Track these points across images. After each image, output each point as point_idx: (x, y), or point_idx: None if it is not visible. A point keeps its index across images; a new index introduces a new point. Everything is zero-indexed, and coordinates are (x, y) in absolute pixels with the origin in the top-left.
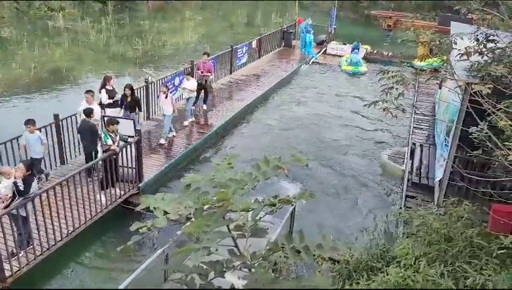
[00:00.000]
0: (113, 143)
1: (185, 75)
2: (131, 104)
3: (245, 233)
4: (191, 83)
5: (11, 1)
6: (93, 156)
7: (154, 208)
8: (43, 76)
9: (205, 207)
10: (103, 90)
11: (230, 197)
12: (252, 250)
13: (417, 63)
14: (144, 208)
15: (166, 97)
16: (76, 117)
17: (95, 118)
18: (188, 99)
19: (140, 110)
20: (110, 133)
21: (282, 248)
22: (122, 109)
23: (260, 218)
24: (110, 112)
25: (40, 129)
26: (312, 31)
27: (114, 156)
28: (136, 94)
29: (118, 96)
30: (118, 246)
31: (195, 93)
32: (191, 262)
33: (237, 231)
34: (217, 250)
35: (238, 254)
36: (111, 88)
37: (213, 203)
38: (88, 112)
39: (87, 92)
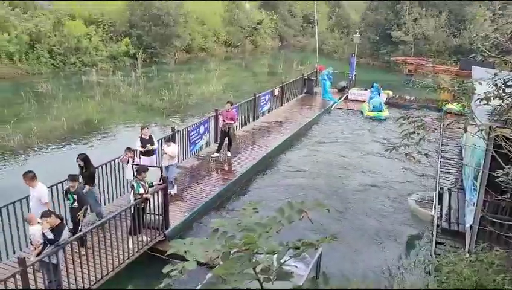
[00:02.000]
0: (145, 191)
1: (165, 142)
2: (85, 175)
3: (270, 276)
4: (172, 149)
5: (48, 58)
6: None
7: (185, 251)
8: (75, 127)
9: (232, 251)
10: (138, 139)
11: (256, 241)
12: None
13: (444, 106)
14: (170, 255)
15: (128, 161)
16: (107, 166)
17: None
18: (167, 167)
19: (92, 183)
20: (141, 182)
21: None
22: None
23: (285, 261)
24: (144, 160)
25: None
26: (331, 78)
27: (143, 204)
28: (90, 166)
29: (155, 146)
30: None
31: (176, 161)
32: None
33: (263, 274)
34: None
35: None
36: (146, 137)
37: (240, 246)
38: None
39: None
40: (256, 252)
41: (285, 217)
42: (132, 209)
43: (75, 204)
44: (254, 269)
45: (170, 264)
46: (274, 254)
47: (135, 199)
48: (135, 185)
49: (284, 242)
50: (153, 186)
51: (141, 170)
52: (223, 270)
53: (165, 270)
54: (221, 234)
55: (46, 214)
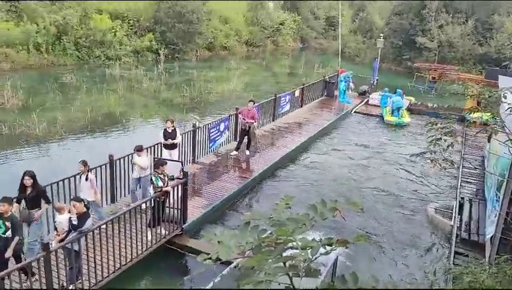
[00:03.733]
0: (164, 184)
1: (136, 151)
2: (31, 197)
3: (299, 272)
4: (143, 159)
5: (74, 50)
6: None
7: (219, 241)
8: (98, 119)
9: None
10: (162, 131)
11: (290, 235)
12: None
13: (468, 115)
14: (187, 249)
15: (86, 179)
16: (128, 158)
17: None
18: (138, 179)
19: (47, 202)
20: (160, 175)
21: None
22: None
23: (316, 258)
24: (165, 153)
25: (95, 169)
26: (348, 81)
27: (163, 197)
28: (39, 185)
29: (177, 140)
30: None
31: (148, 172)
32: None
33: (292, 270)
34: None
35: None
36: (169, 130)
37: (272, 240)
38: None
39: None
40: (289, 247)
41: (318, 214)
42: (152, 202)
43: (9, 233)
44: (284, 263)
45: (181, 262)
46: (308, 249)
47: (155, 193)
48: (153, 178)
49: (316, 238)
50: (173, 179)
51: (159, 163)
52: (256, 261)
53: (199, 259)
54: (253, 227)
55: (77, 199)
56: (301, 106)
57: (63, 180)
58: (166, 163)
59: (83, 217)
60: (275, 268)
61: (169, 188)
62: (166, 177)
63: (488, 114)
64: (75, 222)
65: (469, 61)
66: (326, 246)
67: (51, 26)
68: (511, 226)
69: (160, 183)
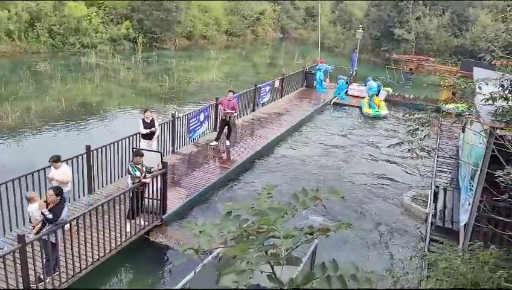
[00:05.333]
0: (141, 175)
1: (52, 162)
2: None
3: (281, 261)
4: (62, 172)
5: (47, 38)
6: None
7: (200, 231)
8: (73, 108)
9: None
10: (140, 121)
11: (272, 224)
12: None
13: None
14: (167, 241)
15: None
16: (106, 148)
17: None
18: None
19: None
20: (137, 165)
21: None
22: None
23: (297, 247)
24: (143, 144)
25: (71, 159)
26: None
27: (141, 188)
28: None
29: (156, 130)
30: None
31: (69, 187)
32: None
33: (274, 259)
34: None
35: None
36: (148, 120)
37: (254, 229)
38: None
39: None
40: (271, 236)
41: (299, 203)
42: (130, 192)
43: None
44: (266, 252)
45: (161, 253)
46: (290, 238)
47: (133, 183)
48: (130, 168)
49: (297, 227)
50: (151, 172)
51: (136, 154)
52: (238, 250)
53: (180, 249)
54: (235, 216)
55: (55, 189)
56: (281, 97)
57: (38, 171)
58: (143, 154)
59: (57, 208)
60: (257, 257)
61: (147, 180)
62: (144, 168)
63: (463, 105)
64: (49, 216)
65: (445, 52)
66: (308, 235)
67: (23, 13)
68: (484, 214)
69: (138, 173)
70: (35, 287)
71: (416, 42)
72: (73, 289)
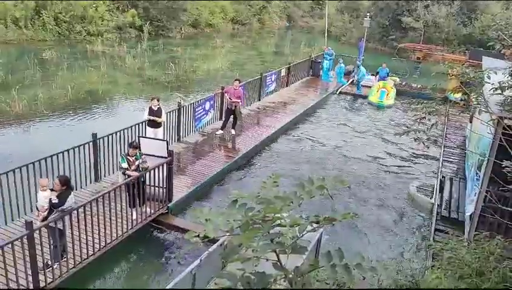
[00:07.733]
0: (129, 167)
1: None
2: None
3: (286, 249)
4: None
5: (53, 26)
6: None
7: (206, 219)
8: (80, 96)
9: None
10: (146, 108)
11: (278, 213)
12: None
13: (451, 95)
14: (172, 228)
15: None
16: (112, 136)
17: None
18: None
19: None
20: (129, 157)
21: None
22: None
23: (302, 235)
24: (149, 132)
25: (78, 147)
26: (330, 58)
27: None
28: None
29: (163, 118)
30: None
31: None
32: (240, 271)
33: (280, 247)
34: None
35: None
36: (155, 108)
37: (260, 217)
38: None
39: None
40: (277, 225)
41: (305, 191)
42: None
43: (125, 165)
44: (271, 240)
45: (166, 240)
46: (296, 227)
47: (122, 173)
48: (120, 158)
49: (303, 216)
50: (145, 167)
51: (130, 145)
52: (245, 239)
53: (186, 237)
54: (241, 205)
55: (62, 178)
56: (287, 85)
57: (45, 158)
58: (137, 147)
59: (63, 195)
60: (263, 245)
61: (133, 173)
62: (136, 161)
63: (472, 94)
64: (55, 201)
65: (453, 41)
66: (313, 224)
67: (29, 0)
68: (490, 204)
69: (125, 165)
70: (42, 274)
71: (424, 31)
72: (63, 289)
